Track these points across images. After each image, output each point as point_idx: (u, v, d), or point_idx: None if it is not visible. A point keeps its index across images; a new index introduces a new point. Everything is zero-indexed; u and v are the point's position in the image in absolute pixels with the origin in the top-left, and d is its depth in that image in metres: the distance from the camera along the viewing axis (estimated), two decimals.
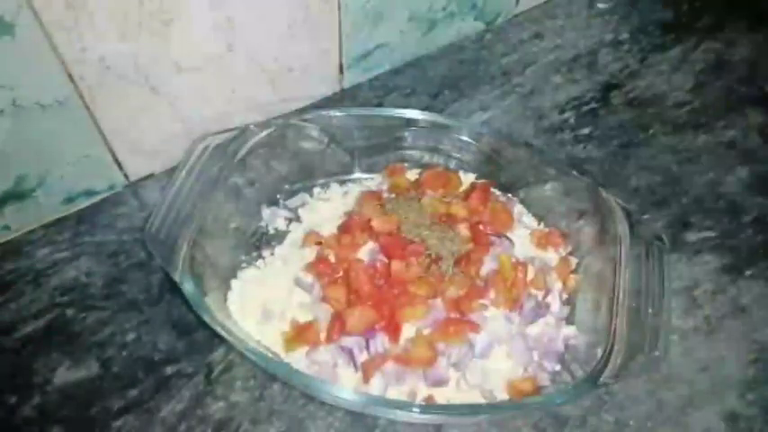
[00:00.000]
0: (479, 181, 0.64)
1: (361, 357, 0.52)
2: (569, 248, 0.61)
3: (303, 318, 0.55)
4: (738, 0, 0.93)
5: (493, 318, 0.54)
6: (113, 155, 0.64)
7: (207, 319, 0.48)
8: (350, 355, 0.52)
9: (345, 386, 0.50)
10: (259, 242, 0.62)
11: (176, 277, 0.49)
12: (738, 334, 0.58)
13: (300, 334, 0.53)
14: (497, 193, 0.64)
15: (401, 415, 0.49)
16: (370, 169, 0.67)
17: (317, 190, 0.66)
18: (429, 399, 0.51)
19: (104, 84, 0.57)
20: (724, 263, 0.63)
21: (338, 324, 0.52)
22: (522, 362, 0.53)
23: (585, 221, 0.60)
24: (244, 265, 0.60)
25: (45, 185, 0.60)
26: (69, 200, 0.64)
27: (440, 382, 0.51)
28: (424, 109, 0.64)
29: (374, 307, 0.53)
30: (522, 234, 0.61)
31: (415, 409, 0.46)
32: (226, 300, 0.56)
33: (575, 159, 0.72)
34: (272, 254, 0.61)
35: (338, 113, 0.63)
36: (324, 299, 0.55)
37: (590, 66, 0.83)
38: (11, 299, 0.58)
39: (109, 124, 0.61)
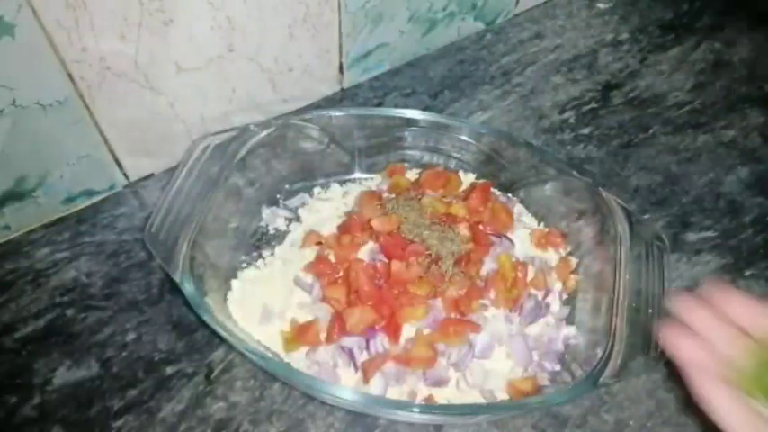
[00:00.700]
0: (479, 181, 0.64)
1: (361, 357, 0.52)
2: (569, 248, 0.61)
3: (303, 318, 0.55)
4: (738, 0, 0.93)
5: (493, 318, 0.54)
6: (113, 155, 0.64)
7: (207, 319, 0.48)
8: (350, 355, 0.52)
9: (345, 386, 0.50)
10: (259, 242, 0.62)
11: (176, 277, 0.49)
12: None
13: (300, 334, 0.53)
14: (497, 193, 0.64)
15: (401, 415, 0.49)
16: (370, 169, 0.67)
17: (316, 190, 0.66)
18: (429, 399, 0.51)
19: (104, 84, 0.57)
20: (724, 263, 0.63)
21: (338, 324, 0.52)
22: (522, 362, 0.53)
23: (585, 221, 0.60)
24: (244, 265, 0.60)
25: (45, 185, 0.60)
26: (69, 200, 0.64)
27: (440, 382, 0.51)
28: (424, 109, 0.64)
29: (374, 307, 0.53)
30: (522, 234, 0.61)
31: (415, 409, 0.46)
32: (226, 300, 0.56)
33: (575, 159, 0.72)
34: (272, 254, 0.61)
35: (338, 113, 0.63)
36: (324, 299, 0.55)
37: (590, 66, 0.83)
38: (11, 299, 0.58)
39: (109, 124, 0.61)
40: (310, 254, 0.59)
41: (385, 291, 0.54)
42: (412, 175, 0.65)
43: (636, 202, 0.67)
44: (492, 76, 0.81)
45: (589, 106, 0.78)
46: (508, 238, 0.59)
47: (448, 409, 0.49)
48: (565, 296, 0.58)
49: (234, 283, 0.57)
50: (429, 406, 0.49)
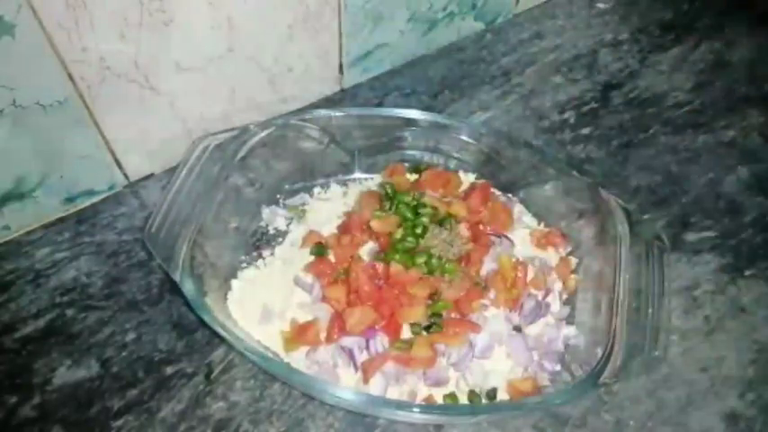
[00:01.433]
0: (479, 181, 0.64)
1: (361, 357, 0.52)
2: (569, 248, 0.61)
3: (303, 318, 0.55)
4: (738, 0, 0.93)
5: (493, 318, 0.54)
6: (113, 155, 0.64)
7: (207, 319, 0.48)
8: (350, 355, 0.52)
9: (345, 386, 0.50)
10: (259, 242, 0.62)
11: (176, 277, 0.49)
12: (738, 334, 0.58)
13: (300, 334, 0.53)
14: (497, 193, 0.64)
15: (401, 415, 0.49)
16: (370, 169, 0.67)
17: (316, 190, 0.66)
18: (429, 399, 0.51)
19: (104, 84, 0.57)
20: (724, 263, 0.63)
21: (338, 324, 0.52)
22: (522, 362, 0.53)
23: (585, 221, 0.60)
24: (244, 265, 0.60)
25: (45, 185, 0.60)
26: (69, 200, 0.64)
27: (440, 382, 0.51)
28: (424, 109, 0.64)
29: (374, 307, 0.53)
30: (522, 234, 0.61)
31: (415, 409, 0.46)
32: (226, 300, 0.56)
33: (575, 159, 0.72)
34: (272, 254, 0.61)
35: (338, 113, 0.63)
36: (324, 299, 0.55)
37: (590, 66, 0.83)
38: (11, 299, 0.58)
39: (109, 124, 0.61)
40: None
41: (385, 291, 0.54)
42: (412, 175, 0.65)
43: (636, 202, 0.67)
44: (492, 76, 0.81)
45: (589, 106, 0.78)
46: (508, 238, 0.59)
47: (448, 409, 0.49)
48: (565, 296, 0.58)
49: (234, 283, 0.58)
50: (429, 406, 0.49)
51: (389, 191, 0.60)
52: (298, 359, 0.52)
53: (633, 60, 0.84)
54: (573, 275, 0.59)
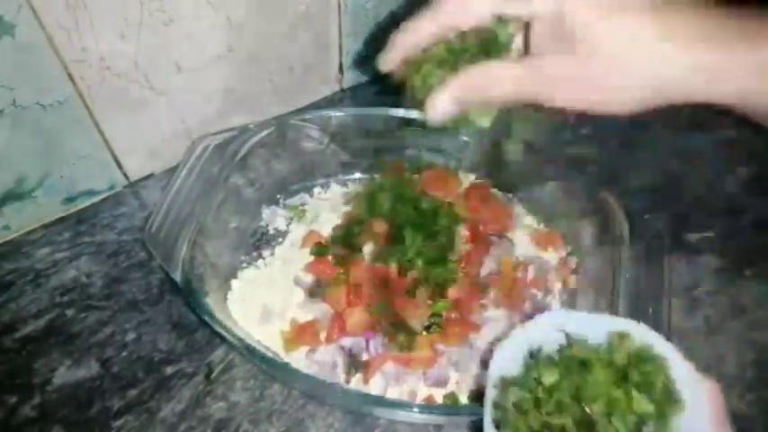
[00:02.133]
0: (479, 181, 0.64)
1: (361, 357, 0.52)
2: (569, 248, 0.61)
3: (303, 318, 0.55)
4: (738, 0, 0.93)
5: (493, 318, 0.54)
6: (113, 155, 0.64)
7: (207, 319, 0.48)
8: (350, 355, 0.52)
9: (345, 386, 0.50)
10: (259, 242, 0.62)
11: (176, 277, 0.49)
12: (738, 334, 0.58)
13: (300, 334, 0.53)
14: (497, 193, 0.64)
15: (401, 415, 0.49)
16: (370, 169, 0.67)
17: (316, 190, 0.66)
18: (429, 399, 0.51)
19: (104, 84, 0.57)
20: (724, 263, 0.63)
21: (338, 324, 0.52)
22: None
23: (585, 222, 0.59)
24: (244, 265, 0.60)
25: (45, 185, 0.60)
26: (69, 200, 0.64)
27: (440, 382, 0.51)
28: None
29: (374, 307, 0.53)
30: (522, 234, 0.61)
31: (415, 409, 0.46)
32: (226, 300, 0.56)
33: (575, 159, 0.72)
34: (272, 254, 0.61)
35: (338, 113, 0.63)
36: (324, 299, 0.55)
37: None
38: (11, 299, 0.58)
39: (109, 124, 0.61)
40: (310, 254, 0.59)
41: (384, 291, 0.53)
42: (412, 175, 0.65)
43: (636, 202, 0.67)
44: None
45: None
46: (508, 239, 0.59)
47: (448, 409, 0.49)
48: (565, 296, 0.58)
49: (234, 283, 0.58)
50: (429, 406, 0.49)
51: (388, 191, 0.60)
52: (298, 359, 0.52)
53: None
54: (573, 275, 0.59)
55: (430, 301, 0.53)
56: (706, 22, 0.34)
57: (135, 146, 0.65)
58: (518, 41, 0.40)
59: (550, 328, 0.35)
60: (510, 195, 0.65)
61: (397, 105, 0.60)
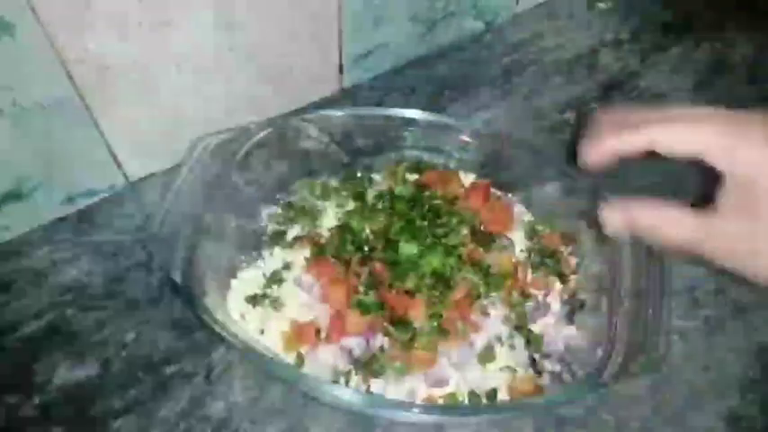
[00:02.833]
0: (479, 181, 0.64)
1: (362, 357, 0.52)
2: (569, 248, 0.61)
3: (303, 318, 0.54)
4: (738, 0, 0.93)
5: (493, 318, 0.54)
6: (113, 155, 0.64)
7: (207, 319, 0.48)
8: (350, 355, 0.52)
9: (345, 386, 0.50)
10: (259, 242, 0.62)
11: (176, 277, 0.49)
12: (738, 334, 0.58)
13: (300, 334, 0.53)
14: (497, 193, 0.64)
15: (401, 415, 0.49)
16: (369, 169, 0.67)
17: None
18: (429, 399, 0.51)
19: (104, 84, 0.57)
20: None
21: (338, 324, 0.52)
22: (522, 362, 0.53)
23: (585, 221, 0.59)
24: (244, 265, 0.60)
25: (45, 185, 0.60)
26: (69, 200, 0.64)
27: (440, 382, 0.51)
28: (424, 109, 0.64)
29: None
30: (522, 234, 0.61)
31: (415, 409, 0.46)
32: (226, 300, 0.56)
33: (575, 159, 0.72)
34: (272, 254, 0.61)
35: (338, 113, 0.63)
36: (324, 299, 0.55)
37: (590, 66, 0.83)
38: (11, 299, 0.58)
39: (109, 124, 0.61)
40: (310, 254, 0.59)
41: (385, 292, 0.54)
42: (412, 175, 0.65)
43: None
44: (492, 76, 0.81)
45: (590, 106, 0.78)
46: (508, 239, 0.59)
47: (448, 409, 0.49)
48: (565, 296, 0.58)
49: (234, 282, 0.57)
50: (429, 406, 0.49)
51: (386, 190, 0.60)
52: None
53: (633, 60, 0.84)
54: (573, 275, 0.59)
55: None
56: None
57: (135, 146, 0.65)
58: None
59: None
60: (510, 195, 0.65)
61: (397, 105, 0.61)
